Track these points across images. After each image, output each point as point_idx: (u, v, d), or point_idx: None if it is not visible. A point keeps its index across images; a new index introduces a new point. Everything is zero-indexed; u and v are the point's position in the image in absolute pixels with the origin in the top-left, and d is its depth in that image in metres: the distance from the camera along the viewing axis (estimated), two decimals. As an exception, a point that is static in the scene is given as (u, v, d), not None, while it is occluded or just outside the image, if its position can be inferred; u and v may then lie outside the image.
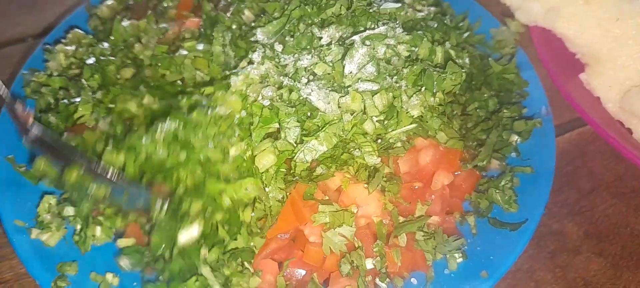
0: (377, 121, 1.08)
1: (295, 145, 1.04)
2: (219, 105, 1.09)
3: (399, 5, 1.27)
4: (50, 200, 1.12)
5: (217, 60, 1.21)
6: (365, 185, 1.04)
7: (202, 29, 1.33)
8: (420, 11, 1.30)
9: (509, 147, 1.20)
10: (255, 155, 1.04)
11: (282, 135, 1.05)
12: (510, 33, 1.42)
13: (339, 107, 1.08)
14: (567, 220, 1.26)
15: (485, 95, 1.24)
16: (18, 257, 1.14)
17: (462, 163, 1.14)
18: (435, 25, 1.28)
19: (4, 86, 1.09)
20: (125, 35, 1.33)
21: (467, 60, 1.23)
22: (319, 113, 1.07)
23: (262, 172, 1.03)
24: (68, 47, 1.34)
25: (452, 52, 1.21)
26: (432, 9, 1.36)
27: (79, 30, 1.40)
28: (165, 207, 1.01)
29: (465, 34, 1.37)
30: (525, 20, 1.47)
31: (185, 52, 1.24)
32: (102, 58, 1.27)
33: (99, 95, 1.20)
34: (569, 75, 1.41)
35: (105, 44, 1.31)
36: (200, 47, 1.25)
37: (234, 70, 1.19)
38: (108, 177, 1.02)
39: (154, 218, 1.01)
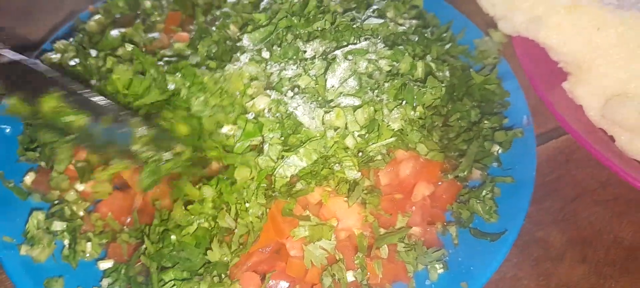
0: (358, 135, 1.09)
1: (276, 161, 1.05)
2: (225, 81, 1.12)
3: (382, 21, 1.28)
4: (39, 216, 1.14)
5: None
6: (345, 199, 1.05)
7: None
8: (401, 25, 1.32)
9: (490, 157, 1.21)
10: (235, 167, 1.06)
11: (265, 149, 1.06)
12: (494, 43, 1.43)
13: (323, 123, 1.09)
14: (551, 227, 1.27)
15: (467, 106, 1.25)
16: (5, 273, 1.16)
17: (443, 174, 1.16)
18: (416, 38, 1.30)
19: None
20: (114, 43, 1.34)
21: (447, 73, 1.24)
22: (303, 128, 1.09)
23: (243, 188, 1.04)
24: (53, 56, 1.35)
25: (433, 65, 1.22)
26: (414, 21, 1.38)
27: (65, 40, 1.41)
28: (148, 133, 0.98)
29: (448, 45, 1.38)
30: (508, 31, 1.48)
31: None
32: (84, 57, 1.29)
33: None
34: (552, 84, 1.42)
35: (92, 51, 1.32)
36: (188, 53, 1.27)
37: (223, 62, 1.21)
38: (91, 100, 0.96)
39: (137, 150, 0.98)
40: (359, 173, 1.07)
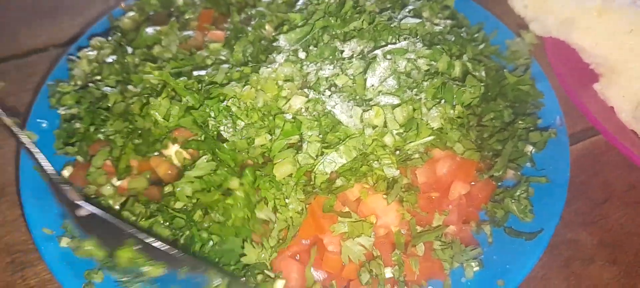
0: (396, 134, 1.10)
1: (315, 158, 1.06)
2: (253, 87, 1.12)
3: (419, 20, 1.29)
4: (80, 210, 1.15)
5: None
6: (384, 196, 1.06)
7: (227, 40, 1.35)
8: (437, 25, 1.32)
9: (524, 157, 1.22)
10: (275, 164, 1.07)
11: (304, 147, 1.07)
12: (525, 44, 1.43)
13: (362, 121, 1.10)
14: (581, 229, 1.28)
15: (500, 106, 1.25)
16: (43, 263, 1.17)
17: (478, 173, 1.16)
18: (453, 38, 1.30)
19: (50, 166, 1.09)
20: (148, 41, 1.36)
21: (483, 73, 1.25)
22: (342, 126, 1.09)
23: (282, 184, 1.05)
24: (90, 53, 1.37)
25: (469, 65, 1.23)
26: (449, 22, 1.38)
27: (101, 38, 1.43)
28: (223, 282, 0.99)
29: (481, 46, 1.39)
30: (539, 32, 1.49)
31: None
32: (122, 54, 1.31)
33: (118, 89, 1.23)
34: (583, 86, 1.43)
35: (128, 49, 1.34)
36: (224, 53, 1.28)
37: (257, 64, 1.21)
38: (166, 252, 0.98)
39: None
40: (398, 171, 1.08)
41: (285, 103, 1.13)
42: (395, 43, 1.21)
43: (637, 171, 1.37)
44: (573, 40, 1.45)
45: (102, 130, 1.20)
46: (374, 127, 1.09)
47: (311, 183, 1.07)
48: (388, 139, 1.08)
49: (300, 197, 1.04)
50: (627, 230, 1.28)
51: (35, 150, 1.15)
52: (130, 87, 1.21)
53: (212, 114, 1.09)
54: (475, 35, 1.43)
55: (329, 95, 1.13)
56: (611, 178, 1.37)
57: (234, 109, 1.10)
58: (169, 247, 0.99)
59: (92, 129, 1.22)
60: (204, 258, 1.03)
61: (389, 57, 1.17)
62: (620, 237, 1.27)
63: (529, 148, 1.23)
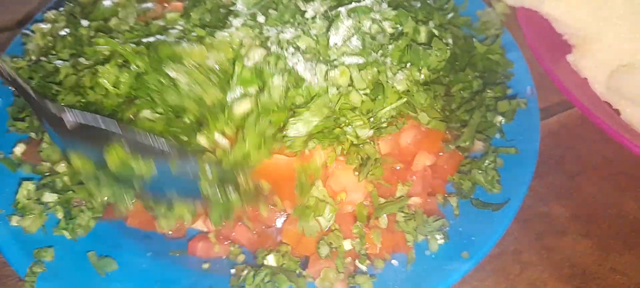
0: (363, 93, 1.05)
1: (279, 102, 1.02)
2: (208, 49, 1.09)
3: None
4: (29, 186, 1.11)
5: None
6: (356, 173, 1.03)
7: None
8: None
9: (493, 128, 1.19)
10: (232, 104, 1.03)
11: (265, 93, 1.03)
12: (496, 15, 1.41)
13: (326, 79, 1.06)
14: (554, 202, 1.25)
15: (469, 76, 1.22)
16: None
17: (444, 144, 1.13)
18: (418, 5, 1.27)
19: (28, 85, 1.05)
20: (105, 14, 1.31)
21: (450, 41, 1.21)
22: (304, 84, 1.05)
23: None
24: (44, 26, 1.33)
25: (436, 32, 1.19)
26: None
27: (56, 10, 1.39)
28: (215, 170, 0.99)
29: (450, 15, 1.36)
30: (511, 2, 1.46)
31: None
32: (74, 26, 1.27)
33: (70, 62, 1.19)
34: (556, 57, 1.40)
35: (84, 22, 1.30)
36: (181, 23, 1.23)
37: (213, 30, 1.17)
38: (154, 145, 0.97)
39: (205, 189, 0.99)
40: (371, 131, 1.04)
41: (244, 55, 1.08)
42: (359, 2, 1.17)
43: (611, 144, 1.34)
44: (545, 10, 1.42)
45: None
46: (339, 87, 1.05)
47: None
48: (355, 97, 1.03)
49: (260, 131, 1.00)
50: (600, 202, 1.26)
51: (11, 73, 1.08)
52: (81, 59, 1.16)
53: (163, 81, 1.05)
54: (445, 6, 1.39)
55: (292, 53, 1.09)
56: (585, 152, 1.35)
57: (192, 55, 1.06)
58: (158, 140, 0.98)
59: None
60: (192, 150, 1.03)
61: (352, 15, 1.14)
62: (594, 210, 1.24)
63: (499, 118, 1.20)
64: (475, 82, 1.22)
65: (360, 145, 1.04)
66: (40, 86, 1.19)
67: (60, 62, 1.19)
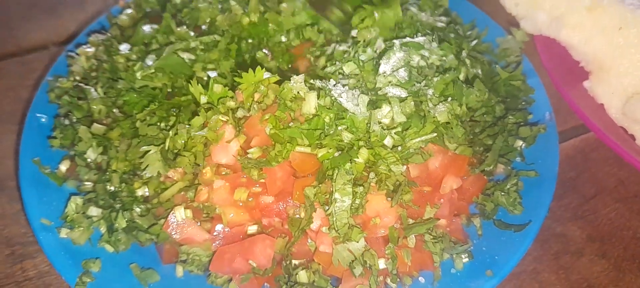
0: (395, 133, 1.10)
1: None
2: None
3: (430, 18, 1.33)
4: (77, 200, 1.17)
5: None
6: (389, 199, 1.07)
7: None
8: (439, 22, 1.35)
9: (514, 152, 1.24)
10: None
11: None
12: (516, 42, 1.45)
13: (368, 109, 1.11)
14: (571, 223, 1.30)
15: (492, 101, 1.27)
16: (42, 255, 1.20)
17: (469, 168, 1.18)
18: (452, 36, 1.32)
19: None
20: (145, 39, 1.38)
21: (479, 71, 1.27)
22: (348, 113, 1.10)
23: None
24: (88, 49, 1.40)
25: (468, 62, 1.24)
26: (444, 18, 1.40)
27: (99, 34, 1.46)
28: None
29: (474, 42, 1.41)
30: (530, 30, 1.51)
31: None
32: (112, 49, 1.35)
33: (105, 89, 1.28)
34: (573, 83, 1.45)
35: (124, 45, 1.36)
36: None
37: None
38: None
39: None
40: (404, 167, 1.09)
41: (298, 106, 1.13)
42: (413, 37, 1.25)
43: (626, 167, 1.39)
44: (563, 38, 1.47)
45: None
46: (383, 125, 1.10)
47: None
48: (387, 141, 1.09)
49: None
50: (616, 224, 1.30)
51: None
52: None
53: None
54: (469, 33, 1.45)
55: (334, 84, 1.15)
56: (601, 174, 1.40)
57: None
58: None
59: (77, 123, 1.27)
60: None
61: (404, 49, 1.20)
62: (609, 232, 1.29)
63: (519, 143, 1.25)
64: (498, 107, 1.27)
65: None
66: (76, 108, 1.29)
67: (94, 93, 1.29)
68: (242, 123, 1.14)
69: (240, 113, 1.15)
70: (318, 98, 1.11)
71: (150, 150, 1.14)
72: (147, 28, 1.38)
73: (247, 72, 1.14)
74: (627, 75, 1.40)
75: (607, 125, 1.39)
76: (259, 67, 1.14)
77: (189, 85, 1.18)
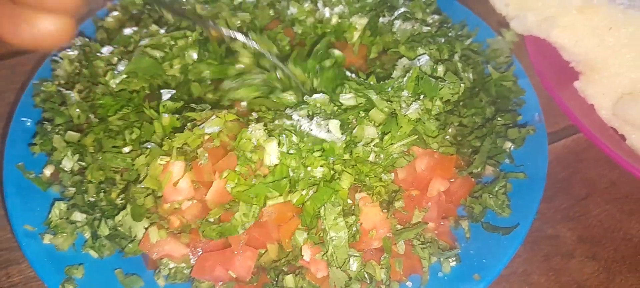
0: (374, 146, 1.08)
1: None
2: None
3: (410, 27, 1.31)
4: (61, 205, 1.15)
5: None
6: (384, 210, 1.07)
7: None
8: (428, 26, 1.33)
9: (503, 153, 1.23)
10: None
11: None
12: (506, 43, 1.45)
13: (343, 132, 1.07)
14: (561, 225, 1.29)
15: (482, 102, 1.27)
16: (27, 261, 1.18)
17: (457, 170, 1.18)
18: (443, 40, 1.30)
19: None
20: (126, 40, 1.37)
21: (470, 75, 1.26)
22: (325, 143, 1.06)
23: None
24: (71, 53, 1.38)
25: (460, 65, 1.24)
26: (436, 17, 1.39)
27: (82, 37, 1.44)
28: None
29: (468, 41, 1.40)
30: (520, 30, 1.50)
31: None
32: (91, 54, 1.33)
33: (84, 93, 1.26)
34: (563, 84, 1.44)
35: (106, 48, 1.35)
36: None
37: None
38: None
39: None
40: (392, 175, 1.09)
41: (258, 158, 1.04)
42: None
43: (617, 168, 1.39)
44: (553, 39, 1.46)
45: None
46: (366, 140, 1.08)
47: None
48: (372, 157, 1.07)
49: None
50: (606, 226, 1.29)
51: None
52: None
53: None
54: (460, 33, 1.44)
55: (297, 119, 1.09)
56: (591, 176, 1.39)
57: None
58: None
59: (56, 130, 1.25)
60: None
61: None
62: (600, 233, 1.28)
63: (508, 144, 1.24)
64: (488, 108, 1.26)
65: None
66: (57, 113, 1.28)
67: (72, 96, 1.27)
68: (191, 158, 1.07)
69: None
70: (279, 145, 1.03)
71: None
72: (128, 30, 1.37)
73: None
74: (617, 75, 1.39)
75: (597, 125, 1.38)
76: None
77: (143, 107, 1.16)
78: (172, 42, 1.29)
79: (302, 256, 1.04)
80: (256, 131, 1.03)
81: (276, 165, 1.03)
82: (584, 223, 1.30)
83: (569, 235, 1.27)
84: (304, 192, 1.02)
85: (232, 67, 1.29)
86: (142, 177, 1.08)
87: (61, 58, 1.39)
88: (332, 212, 1.00)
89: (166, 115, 1.12)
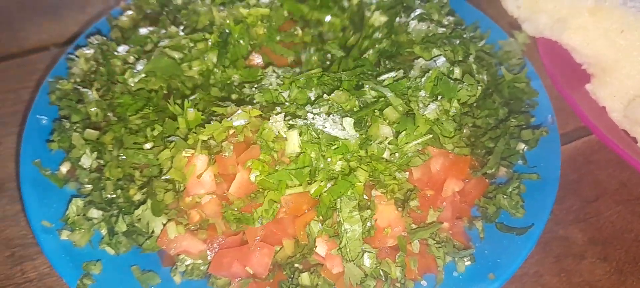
0: (389, 143, 1.09)
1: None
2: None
3: (425, 27, 1.32)
4: (78, 202, 1.16)
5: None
6: (399, 209, 1.07)
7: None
8: (443, 27, 1.34)
9: (516, 155, 1.24)
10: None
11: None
12: (518, 44, 1.45)
13: (358, 130, 1.08)
14: (573, 226, 1.30)
15: (495, 103, 1.27)
16: (42, 257, 1.20)
17: (471, 170, 1.18)
18: (457, 41, 1.31)
19: None
20: (142, 41, 1.37)
21: (485, 77, 1.26)
22: (339, 140, 1.06)
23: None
24: (87, 51, 1.39)
25: (474, 67, 1.24)
26: (451, 19, 1.40)
27: (99, 36, 1.45)
28: None
29: (480, 43, 1.41)
30: (532, 32, 1.51)
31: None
32: (108, 52, 1.34)
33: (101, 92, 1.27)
34: (575, 86, 1.45)
35: (122, 47, 1.36)
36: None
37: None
38: None
39: None
40: (407, 173, 1.09)
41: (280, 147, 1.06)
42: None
43: (628, 170, 1.39)
44: (565, 41, 1.47)
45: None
46: (376, 139, 1.09)
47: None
48: (386, 154, 1.08)
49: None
50: (618, 227, 1.30)
51: None
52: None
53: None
54: (472, 35, 1.45)
55: (312, 117, 1.10)
56: (603, 177, 1.39)
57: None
58: None
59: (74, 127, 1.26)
60: None
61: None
62: (611, 234, 1.29)
63: (521, 146, 1.25)
64: (501, 110, 1.27)
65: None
66: (74, 111, 1.29)
67: (90, 94, 1.28)
68: (215, 152, 1.08)
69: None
70: (300, 135, 1.05)
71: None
72: (144, 30, 1.38)
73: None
74: (629, 77, 1.40)
75: (609, 128, 1.39)
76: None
77: (167, 103, 1.17)
78: (191, 44, 1.30)
79: (316, 247, 1.05)
80: (277, 122, 1.06)
81: (299, 154, 1.05)
82: (595, 224, 1.30)
83: (580, 237, 1.28)
84: (322, 183, 1.04)
85: (260, 70, 1.31)
86: (165, 171, 1.09)
87: (77, 56, 1.40)
88: (347, 205, 1.02)
89: (191, 110, 1.13)
